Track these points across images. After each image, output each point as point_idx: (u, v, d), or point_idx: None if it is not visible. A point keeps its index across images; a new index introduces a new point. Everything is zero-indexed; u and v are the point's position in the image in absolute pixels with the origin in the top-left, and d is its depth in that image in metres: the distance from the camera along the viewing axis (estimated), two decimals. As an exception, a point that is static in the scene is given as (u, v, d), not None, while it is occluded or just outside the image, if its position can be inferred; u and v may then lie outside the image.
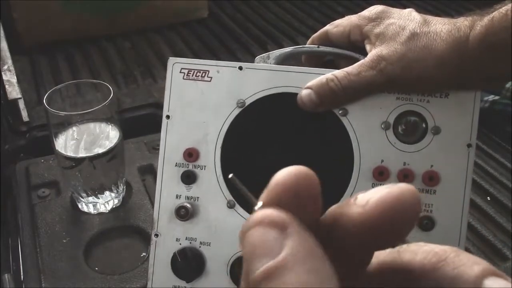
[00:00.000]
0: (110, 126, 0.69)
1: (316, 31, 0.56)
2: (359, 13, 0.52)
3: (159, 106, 0.84)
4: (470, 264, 0.17)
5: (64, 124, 0.67)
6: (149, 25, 1.24)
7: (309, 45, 0.56)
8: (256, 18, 1.30)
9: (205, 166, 0.50)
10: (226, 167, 0.50)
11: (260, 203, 0.18)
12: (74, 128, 0.68)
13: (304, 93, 0.48)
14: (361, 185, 0.48)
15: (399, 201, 0.18)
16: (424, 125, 0.48)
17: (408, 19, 0.48)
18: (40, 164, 0.80)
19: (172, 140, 0.51)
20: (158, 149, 0.51)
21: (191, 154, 0.50)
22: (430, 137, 0.48)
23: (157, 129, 0.52)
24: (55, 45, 1.16)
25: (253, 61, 0.53)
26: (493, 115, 0.86)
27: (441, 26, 0.47)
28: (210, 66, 0.51)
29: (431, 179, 0.48)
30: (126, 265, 0.65)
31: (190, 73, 0.51)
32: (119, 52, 1.16)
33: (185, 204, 0.50)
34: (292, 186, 0.18)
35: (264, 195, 0.18)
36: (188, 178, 0.50)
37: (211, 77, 0.50)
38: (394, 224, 0.18)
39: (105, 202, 0.72)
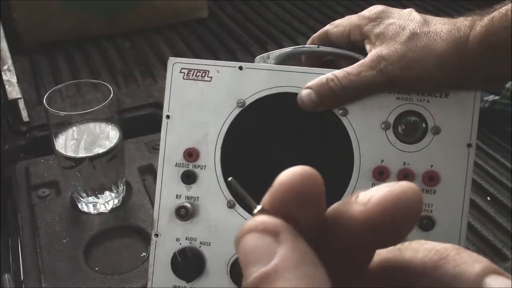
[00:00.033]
0: (110, 126, 0.70)
1: (316, 31, 0.56)
2: (359, 13, 0.52)
3: (159, 106, 0.84)
4: (471, 262, 0.17)
5: (64, 124, 0.67)
6: (149, 25, 1.24)
7: (309, 45, 0.56)
8: (256, 18, 1.30)
9: (205, 166, 0.50)
10: (226, 167, 0.50)
11: (259, 206, 0.19)
12: (74, 128, 0.68)
13: (304, 93, 0.48)
14: (361, 185, 0.48)
15: (400, 200, 0.18)
16: (424, 125, 0.48)
17: (408, 19, 0.48)
18: (40, 164, 0.80)
19: (172, 140, 0.51)
20: (158, 149, 0.51)
21: (191, 154, 0.50)
22: (430, 137, 0.48)
23: (157, 129, 0.52)
24: (55, 45, 1.16)
25: (253, 61, 0.53)
26: (493, 115, 0.86)
27: (441, 26, 0.47)
28: (210, 66, 0.51)
29: (431, 179, 0.48)
30: (126, 265, 0.65)
31: (190, 73, 0.51)
32: (119, 52, 1.16)
33: (185, 204, 0.50)
34: (296, 186, 0.18)
35: (268, 194, 0.18)
36: (188, 178, 0.50)
37: (211, 77, 0.50)
38: (395, 223, 0.18)
39: (105, 202, 0.72)
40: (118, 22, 1.21)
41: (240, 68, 0.50)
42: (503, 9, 0.44)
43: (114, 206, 0.72)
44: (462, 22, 0.46)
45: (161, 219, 0.50)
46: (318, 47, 0.55)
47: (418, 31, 0.47)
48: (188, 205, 0.50)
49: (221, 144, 0.50)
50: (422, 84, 0.47)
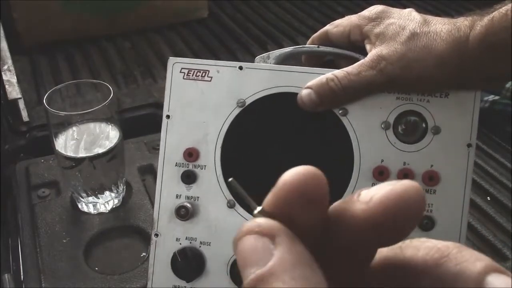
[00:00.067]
0: (110, 126, 0.70)
1: (316, 31, 0.56)
2: (359, 13, 0.52)
3: (159, 106, 0.84)
4: (473, 260, 0.17)
5: (64, 124, 0.67)
6: (149, 25, 1.24)
7: (309, 45, 0.56)
8: (256, 18, 1.30)
9: (205, 166, 0.50)
10: (226, 167, 0.50)
11: (259, 207, 0.19)
12: (74, 128, 0.68)
13: (304, 92, 0.48)
14: (361, 185, 0.48)
15: (403, 198, 0.18)
16: (424, 125, 0.48)
17: (408, 19, 0.48)
18: (40, 164, 0.80)
19: (172, 140, 0.51)
20: (158, 149, 0.51)
21: (191, 154, 0.50)
22: (430, 137, 0.48)
23: (157, 129, 0.52)
24: (55, 45, 1.16)
25: (253, 61, 0.53)
26: (493, 115, 0.86)
27: (441, 26, 0.47)
28: (210, 66, 0.51)
29: (431, 179, 0.48)
30: (126, 265, 0.65)
31: (190, 73, 0.51)
32: (119, 52, 1.16)
33: (185, 204, 0.50)
34: (300, 186, 0.18)
35: (272, 194, 0.18)
36: (188, 178, 0.50)
37: (211, 77, 0.50)
38: (397, 221, 0.18)
39: (105, 202, 0.72)
40: (118, 22, 1.21)
41: (240, 68, 0.50)
42: (503, 9, 0.44)
43: (114, 206, 0.72)
44: (462, 22, 0.46)
45: (161, 219, 0.50)
46: (318, 47, 0.55)
47: (418, 31, 0.47)
48: (188, 205, 0.50)
49: (221, 144, 0.50)
50: (422, 84, 0.47)
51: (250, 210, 0.19)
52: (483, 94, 0.86)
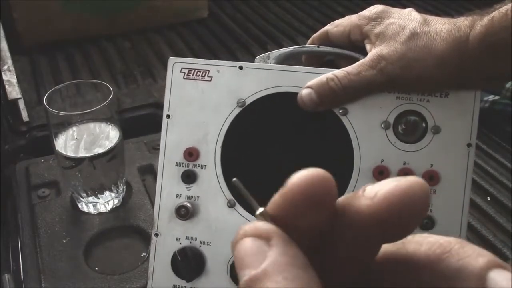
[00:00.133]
0: (110, 126, 0.70)
1: (316, 31, 0.56)
2: (359, 13, 0.52)
3: (159, 106, 0.84)
4: (475, 255, 0.17)
5: (64, 124, 0.67)
6: (149, 25, 1.24)
7: (309, 45, 0.56)
8: (256, 18, 1.30)
9: (205, 165, 0.50)
10: (226, 167, 0.50)
11: (261, 208, 0.19)
12: (74, 128, 0.68)
13: (304, 92, 0.48)
14: (361, 185, 0.48)
15: (408, 194, 0.18)
16: (424, 125, 0.48)
17: (408, 18, 0.48)
18: (40, 164, 0.80)
19: (173, 140, 0.51)
20: (158, 149, 0.51)
21: (191, 154, 0.50)
22: (430, 136, 0.48)
23: (157, 129, 0.52)
24: (55, 45, 1.16)
25: (253, 61, 0.53)
26: (493, 115, 0.86)
27: (441, 26, 0.47)
28: (210, 65, 0.51)
29: (431, 178, 0.48)
30: (126, 265, 0.65)
31: (190, 73, 0.51)
32: (119, 52, 1.16)
33: (185, 203, 0.50)
34: (308, 190, 0.18)
35: (279, 196, 0.19)
36: (188, 177, 0.50)
37: (211, 77, 0.50)
38: (402, 217, 0.18)
39: (105, 202, 0.72)
40: (118, 22, 1.21)
41: (240, 67, 0.50)
42: (503, 8, 0.44)
43: (114, 206, 0.72)
44: (462, 22, 0.46)
45: (161, 218, 0.50)
46: (318, 47, 0.55)
47: (418, 30, 0.47)
48: (188, 204, 0.50)
49: (221, 144, 0.50)
50: (422, 83, 0.47)
51: (252, 211, 0.19)
52: (483, 94, 0.86)
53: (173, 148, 0.51)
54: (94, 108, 0.66)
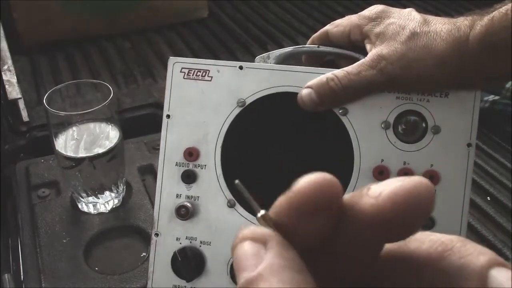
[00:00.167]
0: (110, 126, 0.70)
1: (316, 31, 0.56)
2: (359, 13, 0.52)
3: (159, 106, 0.84)
4: (476, 254, 0.17)
5: (64, 124, 0.67)
6: (149, 25, 1.24)
7: (309, 45, 0.56)
8: (256, 18, 1.30)
9: (205, 165, 0.50)
10: (226, 167, 0.50)
11: (262, 212, 0.19)
12: (74, 128, 0.68)
13: (304, 92, 0.48)
14: (361, 185, 0.48)
15: (412, 195, 0.18)
16: (424, 125, 0.48)
17: (408, 18, 0.48)
18: (40, 164, 0.80)
19: (173, 140, 0.51)
20: (158, 149, 0.51)
21: (191, 154, 0.50)
22: (430, 136, 0.48)
23: (157, 129, 0.52)
24: (55, 45, 1.16)
25: (253, 61, 0.53)
26: (493, 115, 0.86)
27: (441, 26, 0.47)
28: (210, 65, 0.51)
29: (431, 178, 0.48)
30: (126, 265, 0.65)
31: (190, 73, 0.51)
32: (119, 52, 1.16)
33: (185, 203, 0.50)
34: (314, 196, 0.18)
35: (285, 200, 0.19)
36: (188, 177, 0.50)
37: (212, 77, 0.50)
38: (406, 218, 0.18)
39: (105, 202, 0.72)
40: (118, 22, 1.21)
41: (241, 67, 0.50)
42: (503, 8, 0.44)
43: (114, 206, 0.72)
44: (462, 21, 0.46)
45: (161, 218, 0.50)
46: (318, 47, 0.55)
47: (418, 30, 0.47)
48: (188, 204, 0.50)
49: (221, 144, 0.50)
50: (422, 83, 0.47)
51: (254, 213, 0.19)
52: (483, 94, 0.86)
53: (173, 148, 0.51)
54: (94, 108, 0.66)
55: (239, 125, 0.50)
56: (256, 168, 0.49)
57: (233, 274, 0.49)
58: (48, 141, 0.69)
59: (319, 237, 0.19)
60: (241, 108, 0.50)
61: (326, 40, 0.54)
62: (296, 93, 0.49)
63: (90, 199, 0.71)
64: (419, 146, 0.48)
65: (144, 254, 0.66)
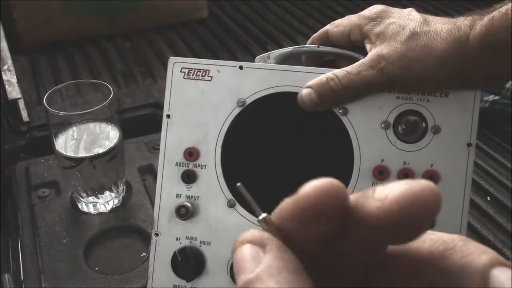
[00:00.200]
0: (110, 126, 0.70)
1: (316, 31, 0.56)
2: (359, 13, 0.52)
3: (159, 106, 0.84)
4: (478, 253, 0.17)
5: (64, 124, 0.67)
6: (149, 25, 1.24)
7: (309, 45, 0.56)
8: (256, 18, 1.30)
9: (205, 165, 0.50)
10: (226, 167, 0.50)
11: (263, 214, 0.19)
12: (74, 128, 0.68)
13: (304, 92, 0.48)
14: (361, 185, 0.48)
15: (419, 198, 0.18)
16: (424, 124, 0.48)
17: (408, 18, 0.48)
18: (40, 164, 0.80)
19: (173, 140, 0.51)
20: (158, 149, 0.51)
21: (191, 154, 0.50)
22: (430, 136, 0.48)
23: (157, 129, 0.52)
24: (55, 45, 1.16)
25: (253, 61, 0.53)
26: (493, 115, 0.86)
27: (441, 26, 0.47)
28: (210, 65, 0.51)
29: (431, 178, 0.48)
30: (126, 265, 0.65)
31: (190, 73, 0.51)
32: (119, 52, 1.16)
33: (186, 203, 0.50)
34: (320, 202, 0.18)
35: (289, 205, 0.19)
36: (188, 177, 0.50)
37: (212, 77, 0.50)
38: (412, 221, 0.18)
39: (105, 202, 0.72)
40: (118, 22, 1.21)
41: (241, 67, 0.50)
42: (503, 8, 0.44)
43: (114, 206, 0.72)
44: (462, 21, 0.46)
45: (161, 218, 0.50)
46: (318, 47, 0.55)
47: (418, 30, 0.47)
48: (188, 204, 0.50)
49: (221, 144, 0.50)
50: (422, 83, 0.47)
51: (256, 216, 0.20)
52: (483, 94, 0.86)
53: (173, 148, 0.51)
54: (94, 108, 0.66)
55: (239, 125, 0.50)
56: (256, 168, 0.49)
57: (233, 274, 0.49)
58: (48, 141, 0.69)
59: (322, 240, 0.19)
60: (241, 108, 0.50)
61: (326, 40, 0.54)
62: (296, 93, 0.49)
63: (90, 199, 0.71)
64: (419, 146, 0.48)
65: (144, 254, 0.66)
